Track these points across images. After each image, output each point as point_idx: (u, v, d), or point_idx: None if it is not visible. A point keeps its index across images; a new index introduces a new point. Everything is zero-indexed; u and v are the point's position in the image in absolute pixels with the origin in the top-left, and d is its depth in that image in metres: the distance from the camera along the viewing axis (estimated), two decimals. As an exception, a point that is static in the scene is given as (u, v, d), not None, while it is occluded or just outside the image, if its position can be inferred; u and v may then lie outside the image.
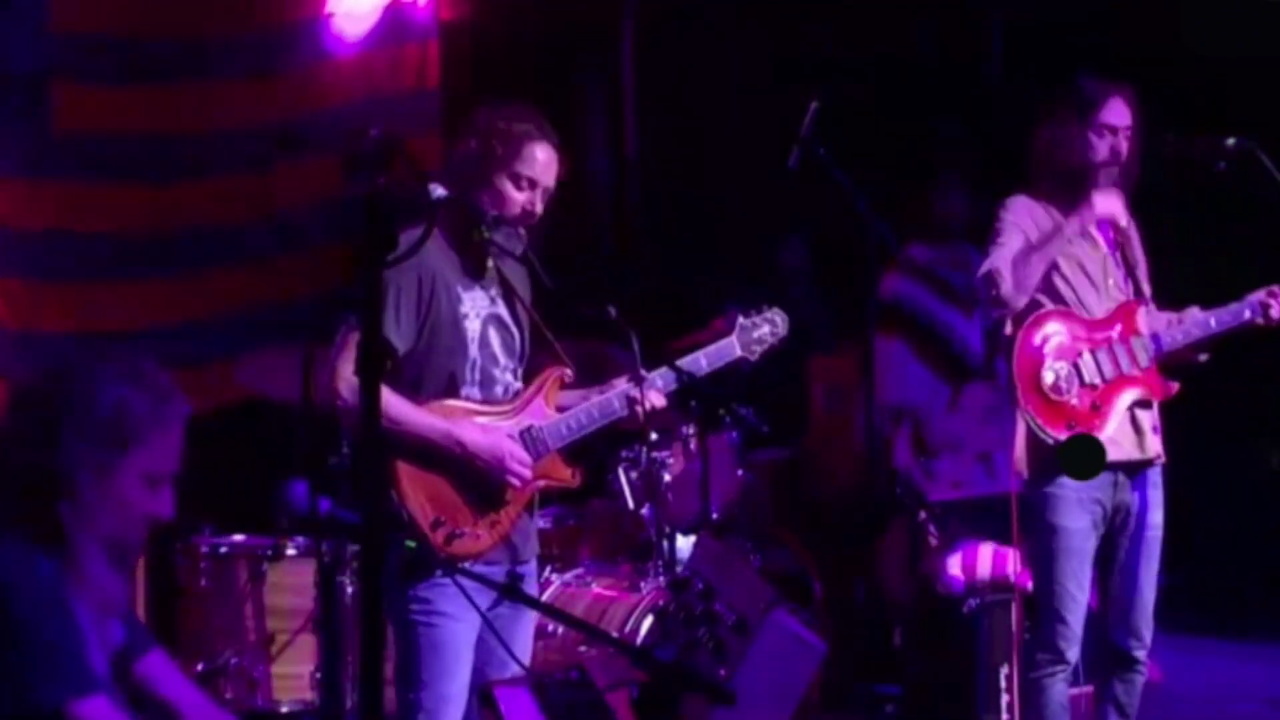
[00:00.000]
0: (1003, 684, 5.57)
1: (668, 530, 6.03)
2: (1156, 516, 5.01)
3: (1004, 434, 5.02)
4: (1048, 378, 4.87)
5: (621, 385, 4.29)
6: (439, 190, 4.08)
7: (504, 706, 3.46)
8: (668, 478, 6.09)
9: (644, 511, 6.06)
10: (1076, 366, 4.89)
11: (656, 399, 4.28)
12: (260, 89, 7.46)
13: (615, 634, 5.35)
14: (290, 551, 5.98)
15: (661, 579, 5.74)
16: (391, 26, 7.72)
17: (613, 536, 6.36)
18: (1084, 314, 4.95)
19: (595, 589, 5.86)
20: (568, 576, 5.98)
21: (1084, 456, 4.84)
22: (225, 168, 7.41)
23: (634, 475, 6.10)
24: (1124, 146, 4.92)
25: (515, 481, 4.15)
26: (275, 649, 5.95)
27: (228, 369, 6.49)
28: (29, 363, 6.99)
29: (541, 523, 6.26)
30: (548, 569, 6.07)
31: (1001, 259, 4.86)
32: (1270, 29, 6.70)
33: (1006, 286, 4.84)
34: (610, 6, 8.37)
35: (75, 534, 2.90)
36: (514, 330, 4.30)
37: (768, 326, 4.53)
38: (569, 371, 4.32)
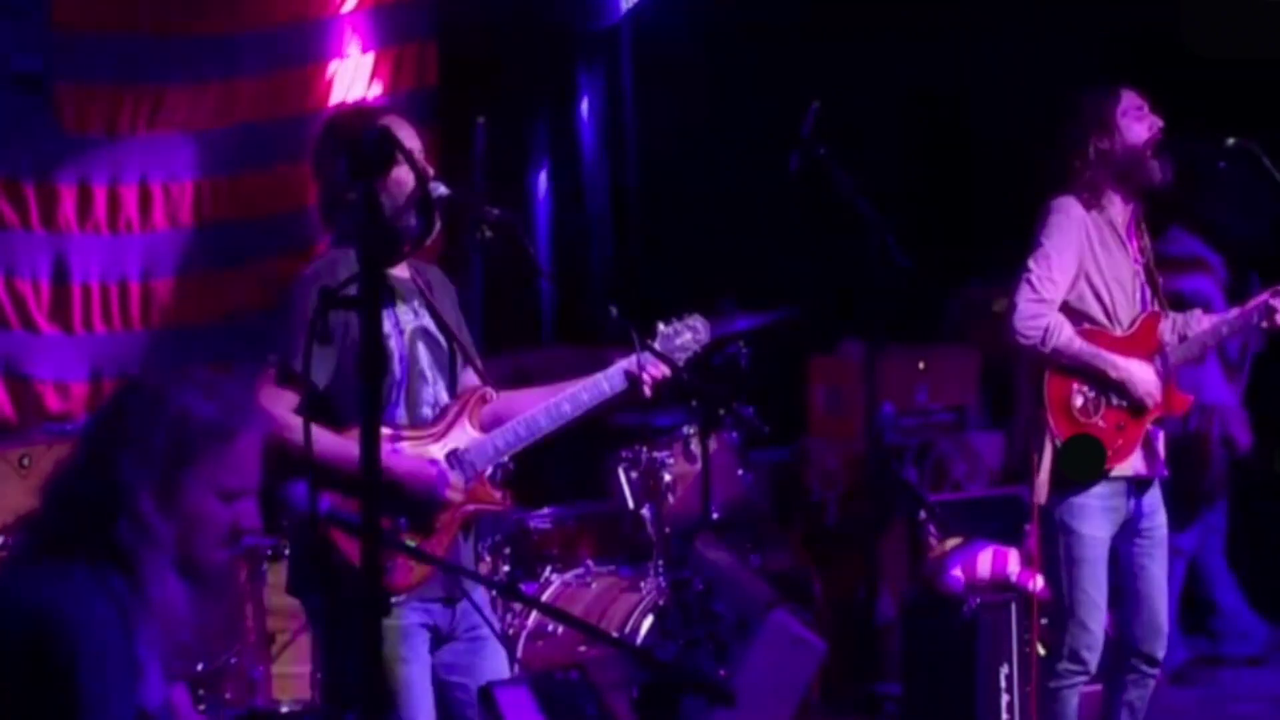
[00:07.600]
0: (1003, 684, 5.57)
1: (668, 530, 6.03)
2: (1161, 518, 5.04)
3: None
4: (1077, 401, 4.87)
5: (554, 395, 4.16)
6: (440, 189, 4.06)
7: (504, 706, 3.46)
8: (668, 478, 6.09)
9: (644, 511, 6.06)
10: (1105, 389, 4.88)
11: (654, 370, 4.16)
12: (260, 89, 7.46)
13: (615, 634, 5.34)
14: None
15: (661, 579, 5.73)
16: (391, 26, 7.72)
17: (613, 536, 6.35)
18: (1115, 324, 4.93)
19: (595, 589, 5.86)
20: (568, 576, 5.97)
21: (1084, 457, 4.85)
22: (226, 168, 7.41)
23: (634, 475, 6.09)
24: (1158, 122, 4.91)
25: (455, 496, 4.01)
26: (275, 649, 5.95)
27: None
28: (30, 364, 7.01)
29: (542, 523, 6.29)
30: (548, 569, 6.06)
31: (1056, 321, 4.81)
32: (1270, 29, 6.69)
33: (1044, 349, 4.81)
34: (610, 7, 8.37)
35: (139, 553, 2.75)
36: (443, 343, 4.16)
37: (689, 334, 4.36)
38: (491, 391, 4.19)
